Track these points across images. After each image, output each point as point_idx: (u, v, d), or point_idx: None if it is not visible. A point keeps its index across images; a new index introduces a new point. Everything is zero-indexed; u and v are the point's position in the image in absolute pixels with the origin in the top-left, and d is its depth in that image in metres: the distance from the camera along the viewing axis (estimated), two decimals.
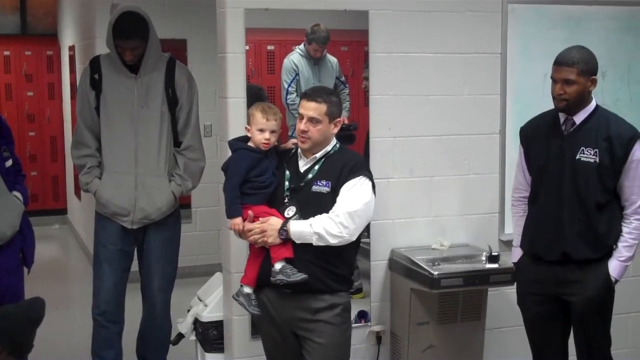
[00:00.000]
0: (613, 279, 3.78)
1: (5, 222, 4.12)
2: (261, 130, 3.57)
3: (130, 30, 4.34)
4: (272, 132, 3.58)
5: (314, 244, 3.41)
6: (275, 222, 3.47)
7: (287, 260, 3.46)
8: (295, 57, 4.47)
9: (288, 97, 4.44)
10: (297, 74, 4.47)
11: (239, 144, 3.63)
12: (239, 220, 3.54)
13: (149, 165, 4.47)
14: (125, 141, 4.45)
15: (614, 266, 3.78)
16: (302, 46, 4.47)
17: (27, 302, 3.43)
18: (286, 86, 4.43)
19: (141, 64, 4.43)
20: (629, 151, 3.72)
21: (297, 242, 3.44)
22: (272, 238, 3.44)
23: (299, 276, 3.42)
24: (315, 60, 4.50)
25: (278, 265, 3.45)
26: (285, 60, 4.47)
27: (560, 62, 3.73)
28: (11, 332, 3.21)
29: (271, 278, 3.47)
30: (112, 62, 4.47)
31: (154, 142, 4.46)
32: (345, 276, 3.58)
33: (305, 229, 3.42)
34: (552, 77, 3.77)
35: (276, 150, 3.69)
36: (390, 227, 4.53)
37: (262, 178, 3.55)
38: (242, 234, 3.55)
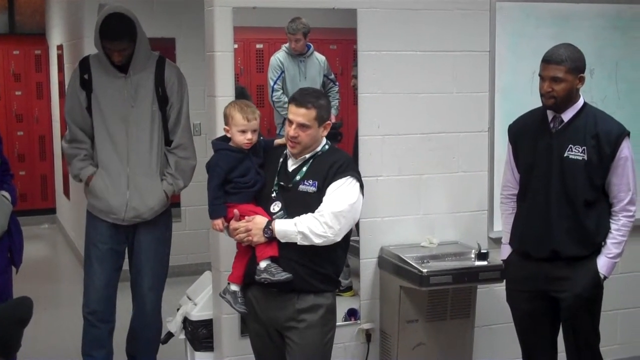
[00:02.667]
0: (602, 276, 3.79)
1: None
2: (243, 132, 3.55)
3: (117, 32, 4.31)
4: (254, 131, 3.56)
5: (298, 243, 3.41)
6: (259, 220, 3.46)
7: (273, 259, 3.46)
8: (281, 55, 4.47)
9: (274, 94, 4.44)
10: (283, 72, 4.47)
11: (221, 144, 3.61)
12: (219, 221, 3.56)
13: (141, 165, 4.46)
14: (117, 141, 4.44)
15: (602, 263, 3.79)
16: (287, 44, 4.47)
17: (14, 301, 3.42)
18: (272, 84, 4.43)
19: (130, 63, 4.42)
20: (616, 148, 3.74)
21: (282, 240, 3.43)
22: (257, 237, 3.44)
23: (284, 275, 3.42)
24: (301, 58, 4.49)
25: (263, 264, 3.45)
26: (272, 58, 4.47)
27: (548, 60, 3.74)
28: None
29: (256, 276, 3.47)
30: (100, 62, 4.45)
31: (145, 142, 4.45)
32: (330, 276, 3.56)
33: (289, 228, 3.41)
34: (540, 75, 3.78)
35: (265, 145, 3.69)
36: (380, 225, 4.53)
37: (244, 178, 3.54)
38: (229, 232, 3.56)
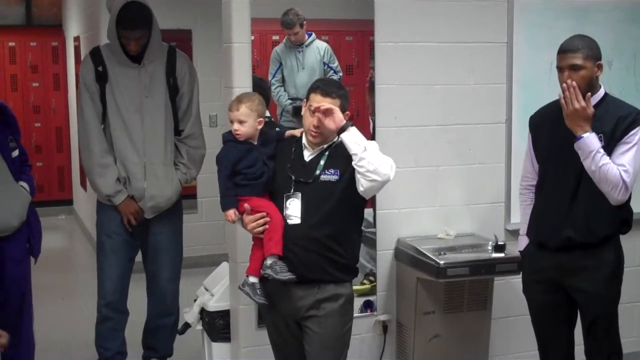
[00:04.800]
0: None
1: (12, 213, 4.13)
2: (231, 122, 3.56)
3: (136, 20, 4.34)
4: (240, 122, 3.53)
5: (358, 155, 3.35)
6: (338, 113, 3.42)
7: (279, 258, 3.46)
8: (279, 48, 4.45)
9: (271, 88, 4.42)
10: (281, 64, 4.45)
11: (228, 136, 3.62)
12: (231, 212, 3.56)
13: (157, 155, 4.48)
14: (133, 131, 4.46)
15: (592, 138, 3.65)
16: (287, 35, 4.46)
17: None
18: (270, 78, 4.41)
19: (145, 53, 4.43)
20: (627, 131, 3.66)
21: (347, 144, 3.39)
22: (339, 118, 3.40)
23: (287, 276, 3.43)
24: (299, 48, 4.47)
25: (269, 260, 3.46)
26: (272, 52, 4.44)
27: (564, 50, 3.71)
28: None
29: (261, 270, 3.49)
30: (113, 53, 4.46)
31: (160, 131, 4.47)
32: (349, 265, 3.58)
33: (360, 139, 3.39)
34: (558, 67, 3.75)
35: (277, 137, 3.69)
36: (396, 217, 4.53)
37: (251, 169, 3.54)
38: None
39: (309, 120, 3.49)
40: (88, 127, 4.50)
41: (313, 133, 3.50)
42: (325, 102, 3.43)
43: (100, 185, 4.48)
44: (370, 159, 3.36)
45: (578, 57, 3.66)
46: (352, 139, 3.39)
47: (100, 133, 4.49)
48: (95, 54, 4.53)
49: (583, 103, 3.61)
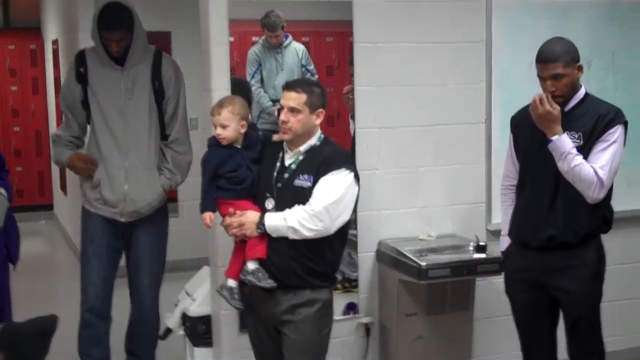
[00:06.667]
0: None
1: None
2: (214, 126, 3.56)
3: (115, 21, 4.31)
4: (223, 126, 3.53)
5: (289, 237, 3.39)
6: (252, 215, 3.45)
7: (261, 263, 3.45)
8: (257, 48, 4.40)
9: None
10: (260, 65, 4.42)
11: (212, 140, 3.61)
12: (206, 214, 3.56)
13: (140, 158, 4.44)
14: (116, 133, 4.42)
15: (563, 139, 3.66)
16: (264, 36, 4.43)
17: (40, 316, 3.44)
18: (249, 78, 4.38)
19: (127, 56, 4.40)
20: (606, 130, 3.66)
21: (274, 235, 3.42)
22: (250, 231, 3.43)
23: (269, 283, 3.43)
24: (278, 49, 4.45)
25: (251, 266, 3.45)
26: (249, 52, 4.39)
27: (544, 60, 3.69)
28: (17, 343, 3.20)
29: (241, 276, 3.48)
30: (97, 55, 4.43)
31: (143, 135, 4.44)
32: (326, 273, 3.55)
33: (279, 223, 3.40)
34: (539, 76, 3.74)
35: (264, 140, 3.68)
36: (377, 219, 4.52)
37: (234, 174, 3.53)
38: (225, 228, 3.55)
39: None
40: (66, 117, 4.58)
41: (282, 128, 3.50)
42: (290, 97, 3.46)
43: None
44: (302, 232, 3.38)
45: (559, 66, 3.65)
46: (274, 228, 3.41)
47: (77, 125, 4.54)
48: (80, 56, 4.51)
49: (548, 107, 3.62)
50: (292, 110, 3.45)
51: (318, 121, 3.52)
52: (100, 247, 4.53)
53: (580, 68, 3.74)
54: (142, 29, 4.43)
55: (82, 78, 4.45)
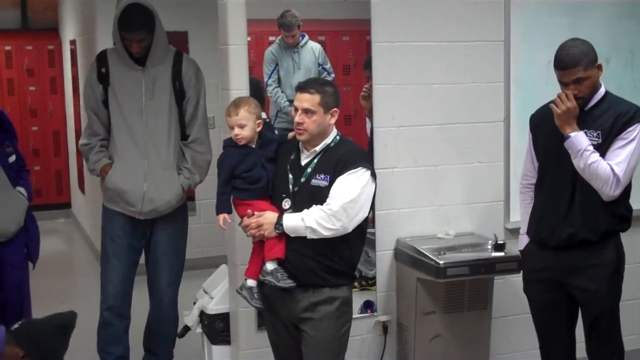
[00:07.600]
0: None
1: (9, 218, 4.13)
2: (231, 128, 3.57)
3: (136, 22, 4.34)
4: (240, 126, 3.54)
5: (308, 237, 3.40)
6: (270, 216, 3.46)
7: (280, 262, 3.46)
8: (274, 48, 4.41)
9: (268, 88, 4.40)
10: (277, 64, 4.43)
11: (228, 141, 3.63)
12: (221, 216, 3.57)
13: (159, 157, 4.47)
14: (135, 133, 4.45)
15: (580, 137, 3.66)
16: (280, 36, 4.43)
17: (59, 313, 3.48)
18: (266, 78, 4.38)
19: (148, 56, 4.42)
20: (625, 128, 3.66)
21: (292, 235, 3.43)
22: (268, 232, 3.44)
23: (288, 283, 3.44)
24: (294, 49, 4.46)
25: (270, 266, 3.46)
26: (266, 52, 4.40)
27: (564, 67, 3.67)
28: (37, 339, 3.23)
29: (260, 276, 3.49)
30: (118, 55, 4.47)
31: (163, 135, 4.46)
32: (344, 271, 3.55)
33: (297, 224, 3.41)
34: (560, 81, 3.72)
35: (279, 139, 3.69)
36: (396, 217, 4.52)
37: (249, 173, 3.54)
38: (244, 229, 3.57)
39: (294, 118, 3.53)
40: (90, 118, 4.59)
41: (297, 130, 3.50)
42: (303, 98, 3.46)
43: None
44: (320, 232, 3.39)
45: (579, 70, 3.64)
46: (292, 228, 3.42)
47: (101, 125, 4.54)
48: (101, 56, 4.54)
49: (574, 102, 3.62)
50: (307, 111, 3.46)
51: (333, 120, 3.53)
52: (121, 247, 4.56)
53: (600, 67, 3.73)
54: (163, 30, 4.45)
55: (103, 78, 4.48)
